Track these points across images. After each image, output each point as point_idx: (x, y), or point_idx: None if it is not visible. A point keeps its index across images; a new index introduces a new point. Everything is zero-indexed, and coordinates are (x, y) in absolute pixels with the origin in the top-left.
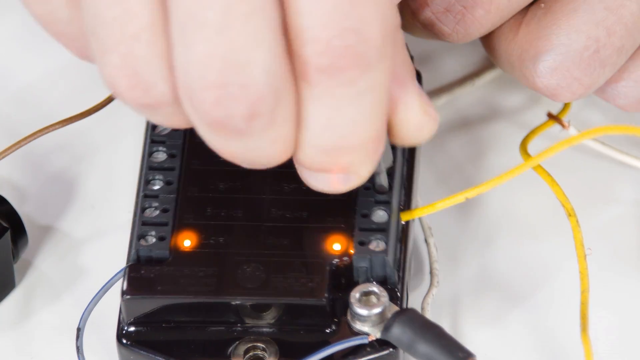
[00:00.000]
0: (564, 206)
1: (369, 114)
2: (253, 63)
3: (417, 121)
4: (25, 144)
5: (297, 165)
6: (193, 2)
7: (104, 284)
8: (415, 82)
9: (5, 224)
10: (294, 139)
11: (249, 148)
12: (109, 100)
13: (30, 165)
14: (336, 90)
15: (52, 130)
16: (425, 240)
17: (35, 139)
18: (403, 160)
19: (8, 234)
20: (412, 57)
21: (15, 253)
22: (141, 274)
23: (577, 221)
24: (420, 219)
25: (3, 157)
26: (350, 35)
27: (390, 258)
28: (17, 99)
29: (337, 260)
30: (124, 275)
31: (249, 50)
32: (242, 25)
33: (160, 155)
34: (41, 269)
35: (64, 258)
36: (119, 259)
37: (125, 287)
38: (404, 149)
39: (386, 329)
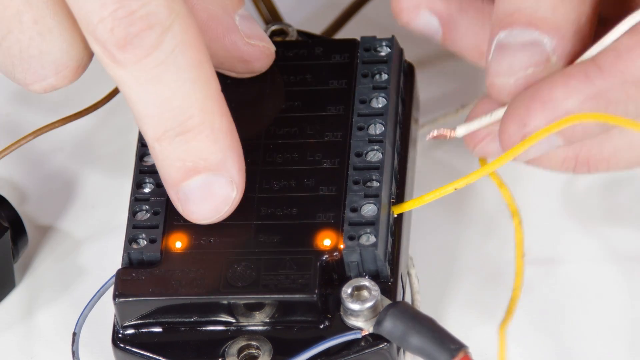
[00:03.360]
0: (509, 207)
1: (193, 77)
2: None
3: (244, 52)
4: (25, 143)
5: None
6: None
7: (99, 288)
8: (235, 20)
9: (5, 224)
10: None
11: None
12: (109, 98)
13: (30, 165)
14: (148, 60)
15: (52, 129)
16: (408, 272)
17: (35, 137)
18: (394, 153)
19: (8, 234)
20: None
21: (15, 253)
22: (132, 276)
23: (520, 221)
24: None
25: (3, 157)
26: (130, 2)
27: (380, 251)
28: (17, 98)
29: (327, 255)
30: (115, 279)
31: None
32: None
33: (151, 159)
34: (41, 269)
35: (64, 258)
36: (119, 259)
37: (116, 291)
38: (395, 142)
39: (378, 323)
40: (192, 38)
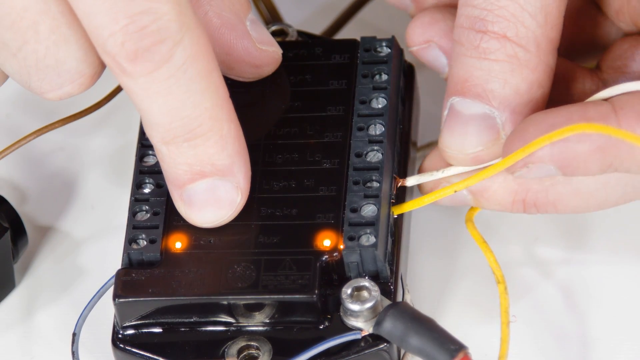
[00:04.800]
0: (494, 273)
1: (202, 87)
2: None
3: (256, 57)
4: (25, 143)
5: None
6: None
7: (98, 288)
8: (246, 26)
9: (5, 224)
10: None
11: None
12: (109, 99)
13: (31, 165)
14: (159, 73)
15: (52, 129)
16: (402, 297)
17: (35, 138)
18: (394, 153)
19: (8, 234)
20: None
21: (15, 253)
22: (132, 277)
23: (505, 288)
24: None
25: (3, 157)
26: (142, 17)
27: (380, 252)
28: (17, 98)
29: (327, 256)
30: (115, 280)
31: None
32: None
33: (151, 159)
34: (41, 269)
35: (64, 258)
36: (119, 260)
37: (116, 291)
38: (395, 142)
39: (378, 323)
40: (202, 49)
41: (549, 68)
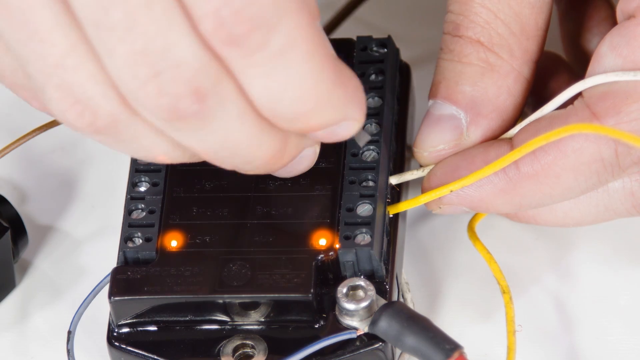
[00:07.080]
0: (499, 283)
1: (305, 69)
2: (173, 44)
3: None
4: (25, 141)
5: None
6: (95, 10)
7: (93, 287)
8: None
9: (5, 224)
10: (256, 120)
11: (221, 136)
12: None
13: (31, 165)
14: (256, 58)
15: (51, 127)
16: (402, 296)
17: (34, 136)
18: (389, 153)
19: (8, 234)
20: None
21: (15, 253)
22: (127, 275)
23: (510, 298)
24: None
25: (3, 155)
26: (234, 1)
27: (375, 251)
28: (17, 97)
29: (322, 255)
30: (110, 278)
31: (163, 34)
32: (146, 15)
33: None
34: (41, 269)
35: (64, 258)
36: None
37: (111, 289)
38: (390, 142)
39: (373, 322)
40: (307, 36)
41: (523, 78)
